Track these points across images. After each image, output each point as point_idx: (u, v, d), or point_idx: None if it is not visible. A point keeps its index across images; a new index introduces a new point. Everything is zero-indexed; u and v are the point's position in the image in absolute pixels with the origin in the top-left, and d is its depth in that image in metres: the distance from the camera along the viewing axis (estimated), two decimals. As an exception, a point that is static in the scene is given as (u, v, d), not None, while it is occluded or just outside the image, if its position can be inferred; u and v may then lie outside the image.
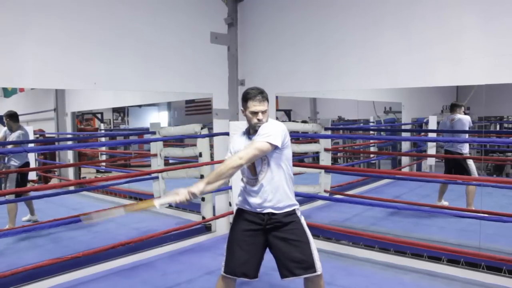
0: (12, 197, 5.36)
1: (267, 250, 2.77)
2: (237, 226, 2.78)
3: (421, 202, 5.42)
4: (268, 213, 2.69)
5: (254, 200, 2.71)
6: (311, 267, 2.70)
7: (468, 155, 5.77)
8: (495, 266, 3.83)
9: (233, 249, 2.73)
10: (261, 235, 2.73)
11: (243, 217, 2.77)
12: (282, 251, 2.70)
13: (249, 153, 2.54)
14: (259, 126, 2.65)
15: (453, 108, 5.84)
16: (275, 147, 2.59)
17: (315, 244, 2.75)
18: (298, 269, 2.69)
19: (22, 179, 5.69)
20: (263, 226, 2.70)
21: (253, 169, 2.70)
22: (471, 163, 5.68)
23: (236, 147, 2.76)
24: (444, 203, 5.87)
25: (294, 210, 2.76)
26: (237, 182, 2.81)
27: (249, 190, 2.74)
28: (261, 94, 2.67)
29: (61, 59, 4.06)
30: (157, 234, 4.84)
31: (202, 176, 5.50)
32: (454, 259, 4.07)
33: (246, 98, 2.68)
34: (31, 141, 6.43)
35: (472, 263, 3.96)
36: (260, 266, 2.77)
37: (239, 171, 2.68)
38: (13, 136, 5.63)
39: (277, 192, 2.70)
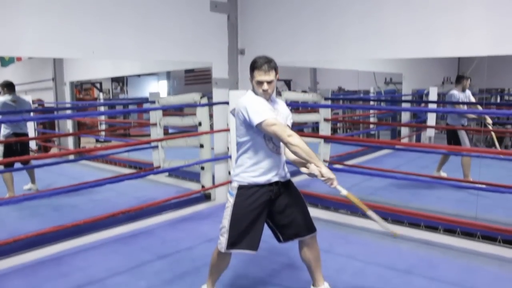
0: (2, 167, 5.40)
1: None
2: (245, 203, 2.63)
3: (420, 172, 5.44)
4: (277, 182, 2.70)
5: (272, 170, 2.67)
6: (312, 227, 2.79)
7: (459, 126, 5.79)
8: (491, 236, 3.89)
9: (241, 228, 2.64)
10: (268, 206, 2.71)
11: (250, 193, 2.64)
12: (285, 216, 2.73)
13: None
14: (268, 96, 2.63)
15: (458, 80, 5.82)
16: None
17: None
18: (303, 231, 2.76)
19: (21, 149, 5.69)
20: (271, 197, 2.69)
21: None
22: (462, 134, 5.70)
23: (272, 113, 2.57)
24: (443, 174, 5.91)
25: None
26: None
27: (270, 159, 2.65)
28: (268, 64, 2.56)
29: (58, 28, 4.01)
30: (157, 203, 4.88)
31: (201, 146, 5.51)
32: (450, 229, 4.12)
33: (252, 67, 2.60)
34: (30, 111, 6.41)
35: (468, 233, 4.02)
36: None
37: (263, 140, 2.64)
38: None
39: (283, 161, 2.79)
